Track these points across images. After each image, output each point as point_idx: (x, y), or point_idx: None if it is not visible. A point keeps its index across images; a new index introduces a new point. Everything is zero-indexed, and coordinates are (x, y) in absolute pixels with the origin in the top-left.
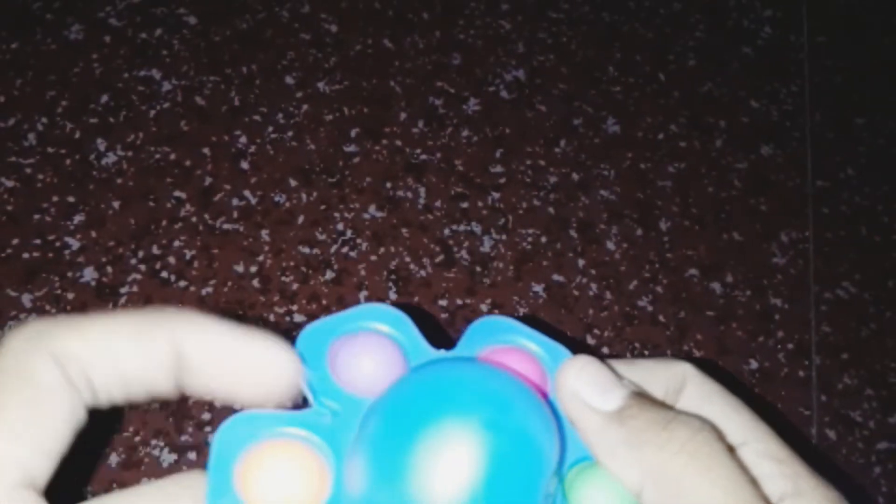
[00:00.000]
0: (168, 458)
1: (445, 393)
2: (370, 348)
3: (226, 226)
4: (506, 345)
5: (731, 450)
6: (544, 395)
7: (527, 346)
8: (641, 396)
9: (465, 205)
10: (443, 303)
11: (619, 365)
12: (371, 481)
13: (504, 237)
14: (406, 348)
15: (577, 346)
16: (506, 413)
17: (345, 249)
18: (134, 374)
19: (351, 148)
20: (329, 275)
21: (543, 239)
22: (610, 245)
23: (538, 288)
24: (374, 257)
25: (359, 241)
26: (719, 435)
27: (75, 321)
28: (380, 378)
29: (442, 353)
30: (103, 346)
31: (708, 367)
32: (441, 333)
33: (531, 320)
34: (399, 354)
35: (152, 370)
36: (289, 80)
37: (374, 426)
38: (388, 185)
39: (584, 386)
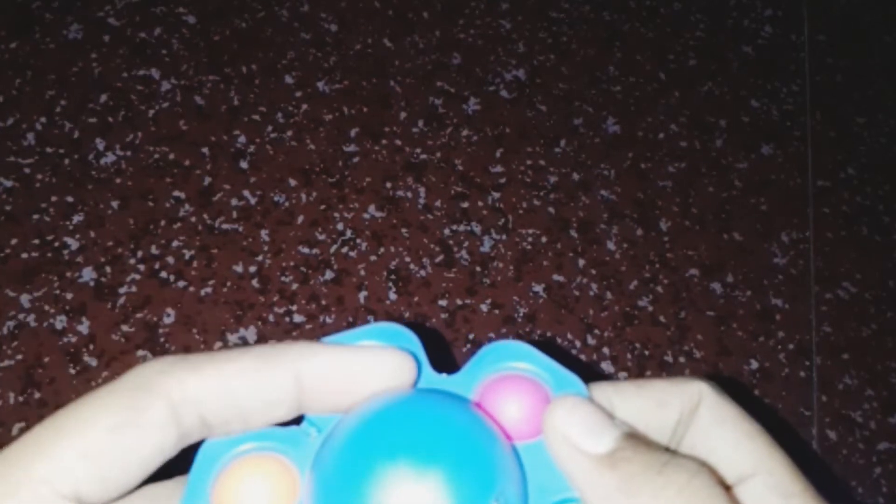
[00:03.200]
0: None
1: (390, 433)
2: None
3: (225, 226)
4: (511, 372)
5: (728, 489)
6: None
7: (534, 374)
8: (635, 438)
9: (465, 205)
10: (443, 303)
11: (632, 386)
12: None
13: (504, 237)
14: None
15: (588, 374)
16: (444, 454)
17: (344, 249)
18: (255, 408)
19: (351, 148)
20: (329, 275)
21: (543, 239)
22: (610, 245)
23: (538, 288)
24: (373, 257)
25: (359, 241)
26: (717, 478)
27: (197, 360)
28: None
29: (444, 377)
30: (224, 387)
31: (724, 381)
32: (449, 356)
33: (546, 345)
34: None
35: (274, 402)
36: (289, 79)
37: (322, 456)
38: (388, 185)
39: (574, 427)
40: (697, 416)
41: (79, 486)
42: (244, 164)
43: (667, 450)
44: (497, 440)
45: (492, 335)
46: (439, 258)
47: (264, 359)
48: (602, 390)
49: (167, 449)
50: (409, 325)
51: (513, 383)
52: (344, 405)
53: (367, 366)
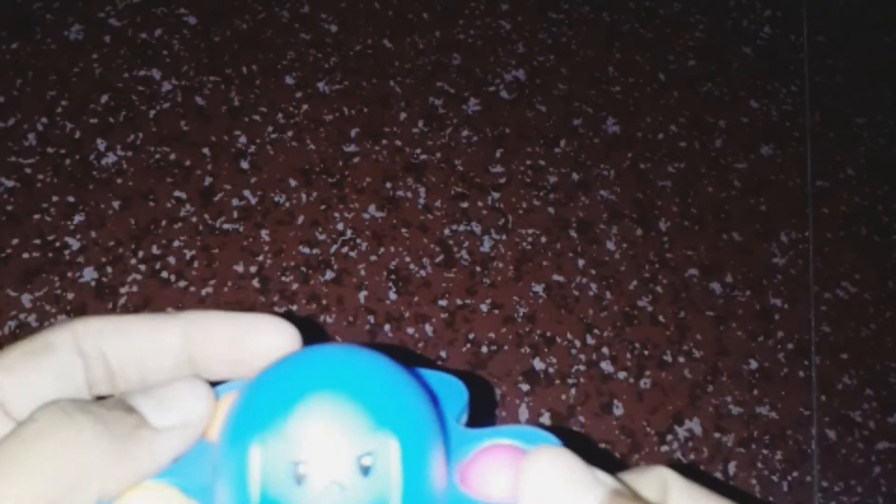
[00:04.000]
0: None
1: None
2: None
3: (226, 226)
4: (498, 442)
5: None
6: None
7: (517, 443)
8: (621, 496)
9: (465, 205)
10: (443, 303)
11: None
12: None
13: (504, 237)
14: None
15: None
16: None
17: (345, 249)
18: (146, 353)
19: (351, 148)
20: (329, 275)
21: (543, 239)
22: (610, 245)
23: (538, 288)
24: (373, 257)
25: (359, 241)
26: None
27: (100, 315)
28: None
29: (459, 426)
30: (120, 328)
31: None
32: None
33: (570, 434)
34: None
35: (163, 350)
36: (289, 80)
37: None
38: (388, 185)
39: (555, 483)
40: (672, 499)
41: (4, 392)
42: (245, 165)
43: None
44: (406, 387)
45: (492, 335)
46: (439, 258)
47: (160, 315)
48: None
49: (75, 372)
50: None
51: (496, 451)
52: (232, 370)
53: (247, 325)
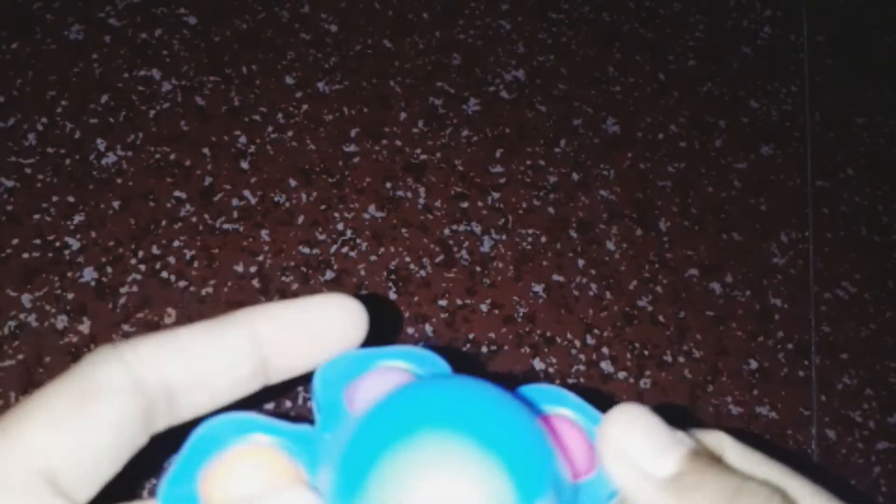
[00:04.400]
0: None
1: (421, 407)
2: (389, 382)
3: (226, 226)
4: (547, 413)
5: None
6: (590, 466)
7: (569, 416)
8: (701, 457)
9: (465, 205)
10: (443, 303)
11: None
12: (334, 490)
13: (504, 237)
14: None
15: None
16: (486, 430)
17: (345, 249)
18: (214, 369)
19: (351, 148)
20: (329, 275)
21: (543, 239)
22: (610, 245)
23: (538, 288)
24: (373, 257)
25: (359, 241)
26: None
27: (152, 334)
28: None
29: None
30: (178, 347)
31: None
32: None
33: (577, 389)
34: None
35: (234, 360)
36: (289, 80)
37: (348, 436)
38: (388, 185)
39: (635, 443)
40: (728, 463)
41: (51, 460)
42: (245, 165)
43: (735, 473)
44: (548, 437)
45: (492, 335)
46: (439, 258)
47: (216, 321)
48: None
49: (133, 418)
50: (440, 349)
51: (552, 424)
52: (310, 362)
53: (317, 311)
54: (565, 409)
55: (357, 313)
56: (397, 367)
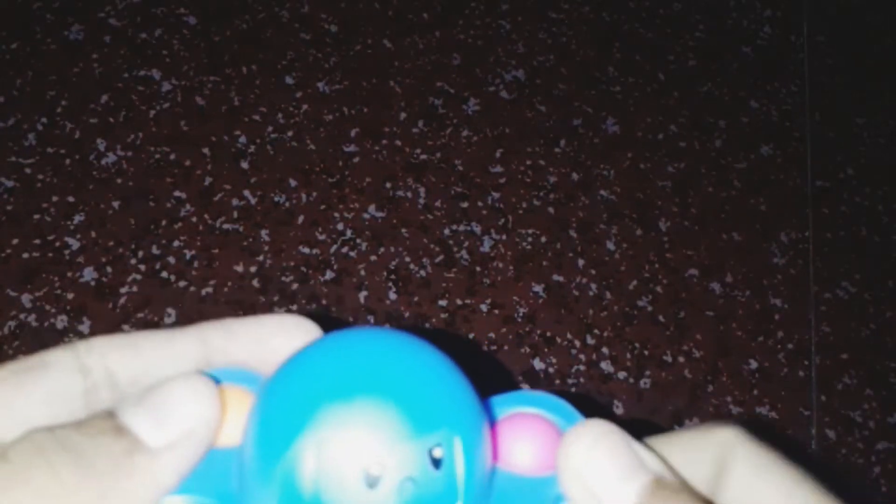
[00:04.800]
0: None
1: (321, 372)
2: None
3: (226, 226)
4: (520, 411)
5: None
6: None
7: (546, 415)
8: (664, 488)
9: (465, 205)
10: (443, 303)
11: (658, 441)
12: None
13: (504, 237)
14: None
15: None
16: (381, 380)
17: (345, 249)
18: (160, 365)
19: (351, 148)
20: (329, 275)
21: (543, 239)
22: (610, 245)
23: (538, 288)
24: (373, 257)
25: (359, 241)
26: None
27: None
28: None
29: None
30: (128, 343)
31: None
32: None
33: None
34: None
35: (179, 359)
36: (289, 80)
37: (260, 398)
38: (388, 185)
39: (594, 467)
40: (737, 465)
41: None
42: (245, 165)
43: (703, 501)
44: (455, 376)
45: (492, 335)
46: (439, 258)
47: (172, 328)
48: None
49: (71, 394)
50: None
51: (523, 420)
52: (252, 363)
53: (269, 326)
54: (544, 410)
55: (310, 333)
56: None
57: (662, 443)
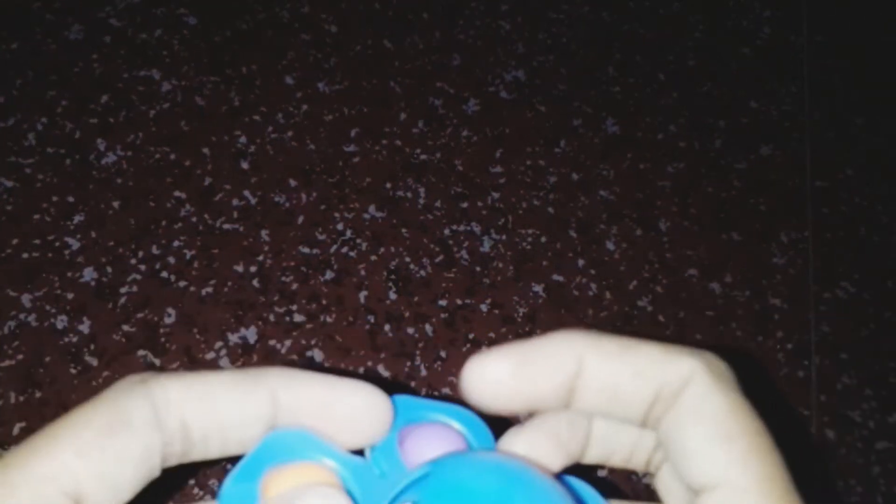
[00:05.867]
0: None
1: (465, 485)
2: (439, 440)
3: (226, 226)
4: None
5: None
6: None
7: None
8: None
9: (465, 205)
10: (443, 303)
11: (616, 347)
12: None
13: (504, 237)
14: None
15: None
16: None
17: (345, 249)
18: (233, 423)
19: (351, 148)
20: (329, 275)
21: (543, 239)
22: (610, 245)
23: (538, 288)
24: (373, 257)
25: (359, 241)
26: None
27: (181, 373)
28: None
29: None
30: (204, 394)
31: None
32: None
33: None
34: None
35: (251, 419)
36: (289, 80)
37: (399, 487)
38: (388, 185)
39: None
40: (680, 401)
41: (79, 484)
42: (245, 165)
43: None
44: None
45: (492, 335)
46: (439, 258)
47: (245, 376)
48: (582, 344)
49: (153, 453)
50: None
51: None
52: (317, 426)
53: (342, 395)
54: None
55: (381, 411)
56: (447, 425)
57: (620, 348)
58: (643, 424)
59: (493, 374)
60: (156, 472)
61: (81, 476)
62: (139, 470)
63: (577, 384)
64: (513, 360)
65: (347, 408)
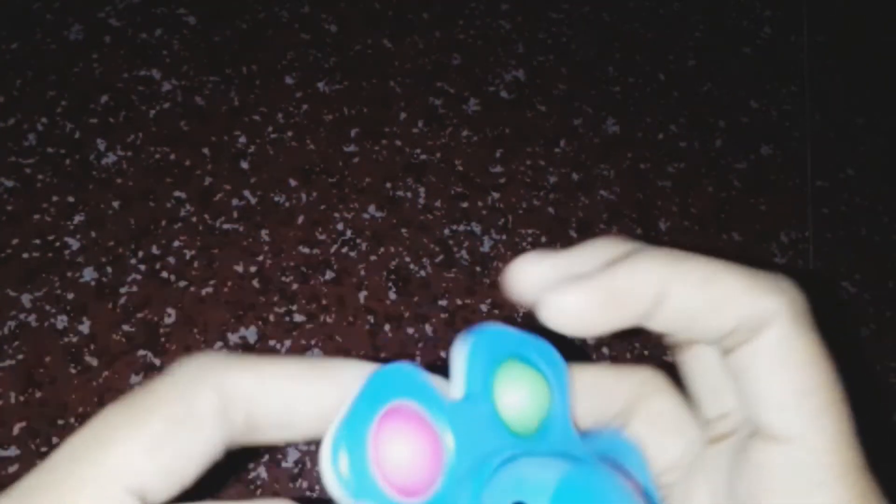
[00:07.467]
0: None
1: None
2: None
3: (226, 226)
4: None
5: None
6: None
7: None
8: None
9: (465, 205)
10: (443, 303)
11: (706, 273)
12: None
13: (504, 237)
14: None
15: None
16: None
17: (345, 249)
18: (302, 419)
19: (351, 148)
20: (329, 275)
21: (543, 239)
22: None
23: None
24: (373, 257)
25: (359, 241)
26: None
27: (251, 361)
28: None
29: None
30: (277, 390)
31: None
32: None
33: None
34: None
35: (323, 415)
36: (289, 80)
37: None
38: (388, 185)
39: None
40: (759, 340)
41: (144, 481)
42: (245, 165)
43: None
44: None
45: None
46: (439, 258)
47: (318, 369)
48: (666, 273)
49: (216, 445)
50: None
51: (397, 426)
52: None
53: None
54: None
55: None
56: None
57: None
58: (715, 344)
59: (576, 308)
60: (217, 459)
61: (148, 472)
62: (203, 462)
63: (655, 308)
64: (599, 296)
65: None
